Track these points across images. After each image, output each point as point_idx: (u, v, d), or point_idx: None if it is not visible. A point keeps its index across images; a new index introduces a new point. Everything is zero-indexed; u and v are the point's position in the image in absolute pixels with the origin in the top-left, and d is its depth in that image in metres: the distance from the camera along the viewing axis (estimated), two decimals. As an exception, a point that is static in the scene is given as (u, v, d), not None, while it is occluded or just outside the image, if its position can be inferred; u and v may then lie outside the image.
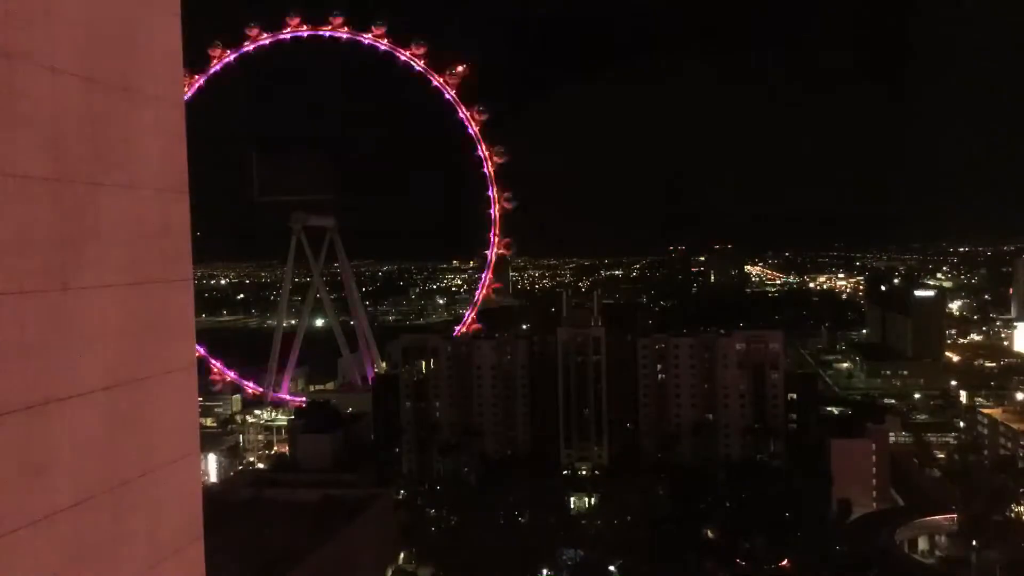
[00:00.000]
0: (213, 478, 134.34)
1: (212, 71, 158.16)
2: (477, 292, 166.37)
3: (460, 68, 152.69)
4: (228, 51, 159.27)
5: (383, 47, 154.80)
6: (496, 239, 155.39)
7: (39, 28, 4.00)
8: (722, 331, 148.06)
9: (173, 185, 4.98)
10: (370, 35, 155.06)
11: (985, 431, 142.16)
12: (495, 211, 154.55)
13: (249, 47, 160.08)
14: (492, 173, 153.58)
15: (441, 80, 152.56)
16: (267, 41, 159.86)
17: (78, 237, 4.21)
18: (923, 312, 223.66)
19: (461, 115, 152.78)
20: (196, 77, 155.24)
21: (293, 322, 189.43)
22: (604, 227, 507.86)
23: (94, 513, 4.23)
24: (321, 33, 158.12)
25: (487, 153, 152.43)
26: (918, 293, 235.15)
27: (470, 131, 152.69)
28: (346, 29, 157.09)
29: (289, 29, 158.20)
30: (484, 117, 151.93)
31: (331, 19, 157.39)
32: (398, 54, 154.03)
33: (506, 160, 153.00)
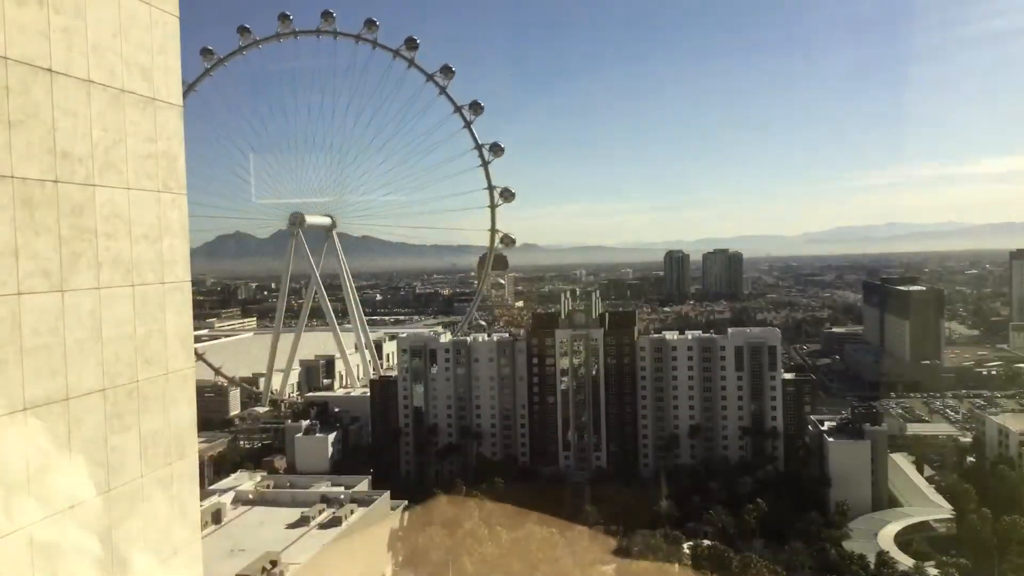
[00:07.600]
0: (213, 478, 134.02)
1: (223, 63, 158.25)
2: (475, 299, 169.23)
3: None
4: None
5: (413, 63, 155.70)
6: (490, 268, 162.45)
7: (38, 30, 4.01)
8: (721, 331, 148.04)
9: (172, 186, 4.98)
10: (402, 48, 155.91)
11: (985, 432, 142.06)
12: (490, 252, 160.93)
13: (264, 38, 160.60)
14: (494, 213, 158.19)
15: (460, 108, 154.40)
16: (282, 36, 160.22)
17: (77, 238, 4.21)
18: (921, 312, 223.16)
19: (474, 147, 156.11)
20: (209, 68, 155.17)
21: (292, 322, 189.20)
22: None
23: (94, 513, 4.23)
24: (349, 33, 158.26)
25: (493, 185, 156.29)
26: (916, 293, 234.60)
27: (480, 167, 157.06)
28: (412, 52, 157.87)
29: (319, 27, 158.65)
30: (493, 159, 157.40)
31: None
32: (432, 77, 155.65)
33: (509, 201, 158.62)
